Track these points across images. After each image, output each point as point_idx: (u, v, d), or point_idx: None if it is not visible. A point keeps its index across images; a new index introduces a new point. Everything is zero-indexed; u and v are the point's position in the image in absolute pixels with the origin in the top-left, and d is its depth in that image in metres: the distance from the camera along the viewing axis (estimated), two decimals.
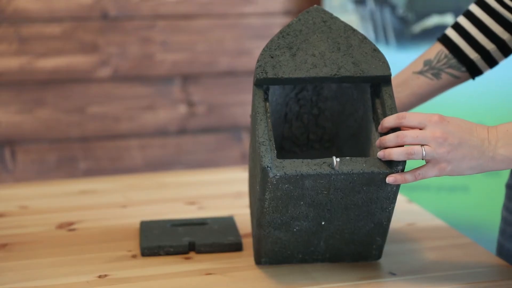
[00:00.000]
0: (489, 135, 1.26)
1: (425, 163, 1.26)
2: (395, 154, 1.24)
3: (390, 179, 1.25)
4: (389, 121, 1.27)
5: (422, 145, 1.24)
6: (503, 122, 1.29)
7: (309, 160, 1.26)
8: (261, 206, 1.30)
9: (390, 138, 1.25)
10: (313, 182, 1.26)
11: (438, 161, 1.24)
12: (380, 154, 1.26)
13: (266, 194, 1.27)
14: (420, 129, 1.25)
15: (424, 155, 1.23)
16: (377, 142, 1.28)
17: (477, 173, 1.27)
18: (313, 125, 1.52)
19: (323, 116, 1.51)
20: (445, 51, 1.46)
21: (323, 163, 1.26)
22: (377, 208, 1.32)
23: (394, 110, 1.31)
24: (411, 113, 1.26)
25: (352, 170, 1.26)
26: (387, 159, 1.25)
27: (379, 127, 1.29)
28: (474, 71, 1.46)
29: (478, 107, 2.49)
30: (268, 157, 1.25)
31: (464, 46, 1.45)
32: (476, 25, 1.45)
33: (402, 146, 1.25)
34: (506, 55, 1.45)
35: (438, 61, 1.46)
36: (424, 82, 1.46)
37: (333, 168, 1.26)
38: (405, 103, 1.47)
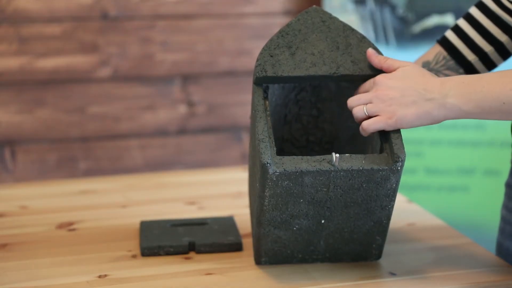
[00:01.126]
0: (441, 84, 1.28)
1: None
2: (354, 116, 1.32)
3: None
4: (352, 100, 1.34)
5: (367, 104, 1.30)
6: (503, 125, 1.30)
7: (308, 157, 1.27)
8: (261, 203, 1.30)
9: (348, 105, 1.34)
10: (313, 179, 1.27)
11: (383, 115, 1.29)
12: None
13: (266, 191, 1.27)
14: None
15: (365, 112, 1.30)
16: None
17: (429, 124, 1.29)
18: (313, 127, 1.52)
19: (323, 118, 1.51)
20: (444, 52, 1.47)
21: (323, 159, 1.27)
22: (377, 206, 1.32)
23: None
24: (363, 84, 1.35)
25: (351, 166, 1.26)
26: (361, 131, 1.32)
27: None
28: (472, 73, 1.46)
29: None
30: (268, 153, 1.25)
31: (462, 48, 1.46)
32: (474, 27, 1.45)
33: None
34: (504, 57, 1.45)
35: (436, 63, 1.46)
36: None
37: (332, 164, 1.26)
38: None
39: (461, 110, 1.27)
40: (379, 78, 1.30)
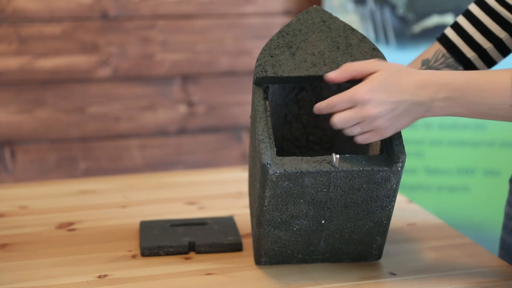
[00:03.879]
0: (425, 86, 1.24)
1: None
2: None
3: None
4: (319, 108, 1.27)
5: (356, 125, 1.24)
6: (503, 125, 1.29)
7: (309, 157, 1.27)
8: (261, 204, 1.30)
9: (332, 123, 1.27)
10: (313, 180, 1.26)
11: (376, 131, 1.25)
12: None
13: (266, 191, 1.27)
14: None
15: (358, 132, 1.24)
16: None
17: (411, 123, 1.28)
18: (313, 126, 1.52)
19: (323, 117, 1.51)
20: (443, 50, 1.47)
21: (323, 160, 1.26)
22: (377, 206, 1.32)
23: None
24: (338, 96, 1.25)
25: (351, 167, 1.26)
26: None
27: (315, 110, 1.28)
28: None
29: None
30: (268, 154, 1.25)
31: (461, 45, 1.45)
32: (473, 24, 1.45)
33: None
34: (504, 54, 1.45)
35: (436, 61, 1.46)
36: None
37: (332, 165, 1.26)
38: None
39: (451, 111, 1.25)
40: (361, 94, 1.22)
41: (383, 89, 1.23)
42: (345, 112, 1.24)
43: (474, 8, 1.46)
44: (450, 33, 1.47)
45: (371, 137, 1.26)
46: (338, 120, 1.24)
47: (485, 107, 1.23)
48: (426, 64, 1.46)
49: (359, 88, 1.23)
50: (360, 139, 1.26)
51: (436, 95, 1.24)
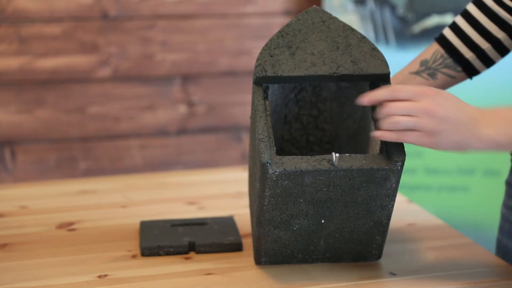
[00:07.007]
0: (480, 114, 1.24)
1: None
2: (384, 125, 1.23)
3: (376, 133, 1.24)
4: (380, 93, 1.25)
5: (411, 116, 1.22)
6: None
7: (308, 156, 1.27)
8: (261, 203, 1.30)
9: (382, 111, 1.24)
10: (313, 179, 1.26)
11: (425, 132, 1.22)
12: (375, 133, 1.24)
13: (266, 191, 1.27)
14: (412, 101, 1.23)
15: (411, 126, 1.22)
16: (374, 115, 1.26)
17: (459, 151, 1.25)
18: (313, 127, 1.52)
19: (323, 118, 1.51)
20: (441, 51, 1.47)
21: (323, 159, 1.27)
22: (377, 206, 1.32)
23: None
24: (404, 86, 1.24)
25: (351, 166, 1.26)
26: (379, 137, 1.24)
27: (369, 98, 1.26)
28: (470, 71, 1.46)
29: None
30: (268, 153, 1.25)
31: (459, 46, 1.45)
32: (471, 24, 1.45)
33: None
34: (502, 54, 1.45)
35: (434, 61, 1.46)
36: (420, 83, 1.46)
37: (332, 164, 1.26)
38: None
39: (495, 141, 1.23)
40: (427, 89, 1.22)
41: (443, 95, 1.23)
42: (406, 102, 1.22)
43: (471, 8, 1.46)
44: (448, 33, 1.47)
45: (411, 136, 1.22)
46: (396, 105, 1.22)
47: None
48: (425, 65, 1.46)
49: (424, 87, 1.23)
50: (399, 135, 1.23)
51: (485, 122, 1.23)
